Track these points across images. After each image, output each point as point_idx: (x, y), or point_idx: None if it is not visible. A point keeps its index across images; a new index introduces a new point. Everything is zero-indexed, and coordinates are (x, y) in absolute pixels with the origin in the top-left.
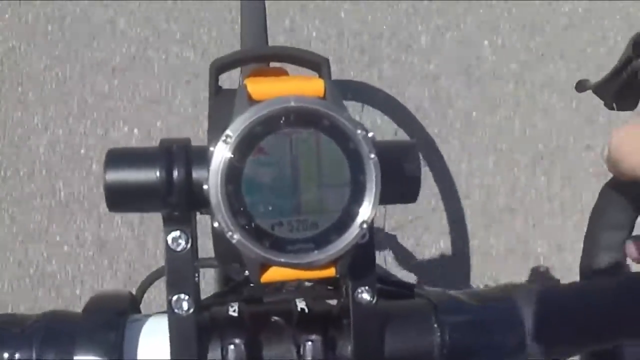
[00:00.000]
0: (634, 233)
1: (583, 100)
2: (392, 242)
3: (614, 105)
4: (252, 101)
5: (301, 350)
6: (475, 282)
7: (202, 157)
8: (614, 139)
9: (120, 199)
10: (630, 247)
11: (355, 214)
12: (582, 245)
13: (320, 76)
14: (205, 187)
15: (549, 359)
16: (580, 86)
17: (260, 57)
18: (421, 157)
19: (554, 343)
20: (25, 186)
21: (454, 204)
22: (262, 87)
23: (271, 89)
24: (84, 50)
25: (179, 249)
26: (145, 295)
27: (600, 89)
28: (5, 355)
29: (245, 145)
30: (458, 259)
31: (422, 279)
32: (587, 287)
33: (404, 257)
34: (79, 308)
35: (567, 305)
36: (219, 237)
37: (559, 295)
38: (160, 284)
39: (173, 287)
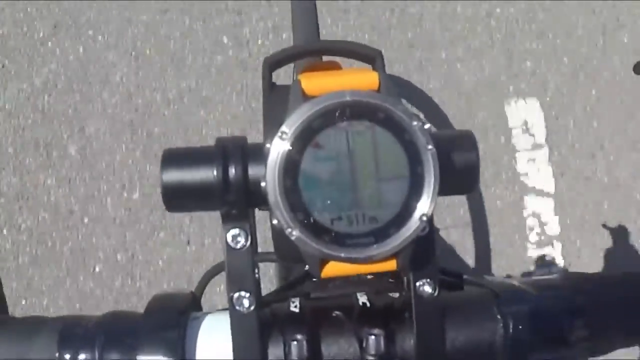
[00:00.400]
0: None
1: None
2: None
3: None
4: (306, 96)
5: (364, 344)
6: None
7: (259, 154)
8: None
9: (178, 199)
10: None
11: (415, 207)
12: None
13: (374, 69)
14: (262, 184)
15: (612, 348)
16: (639, 68)
17: (312, 51)
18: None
19: (616, 332)
20: None
21: None
22: (316, 82)
23: (325, 84)
24: None
25: (238, 246)
26: None
27: None
28: (68, 356)
29: (302, 141)
30: None
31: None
32: None
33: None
34: None
35: (629, 294)
36: (278, 233)
37: (620, 284)
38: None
39: (234, 285)
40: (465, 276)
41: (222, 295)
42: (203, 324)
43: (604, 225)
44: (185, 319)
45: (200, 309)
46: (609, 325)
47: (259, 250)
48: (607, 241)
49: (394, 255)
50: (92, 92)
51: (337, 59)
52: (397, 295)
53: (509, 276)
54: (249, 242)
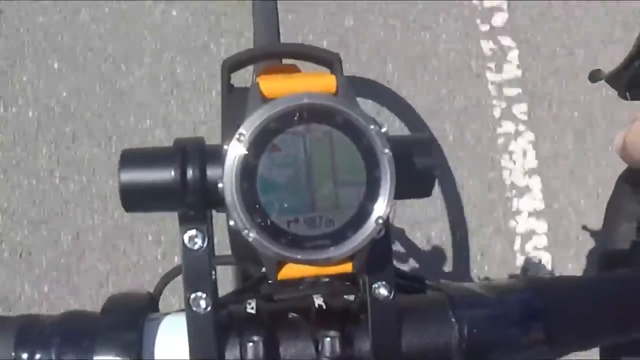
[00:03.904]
0: None
1: None
2: (399, 236)
3: (627, 95)
4: (265, 99)
5: (319, 346)
6: None
7: (217, 155)
8: (630, 130)
9: (136, 199)
10: None
11: (371, 210)
12: None
13: (332, 72)
14: (220, 185)
15: (568, 351)
16: (593, 76)
17: (271, 54)
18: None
19: (573, 335)
20: None
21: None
22: (274, 85)
23: (283, 86)
24: None
25: (195, 247)
26: None
27: (613, 79)
28: (25, 355)
29: (259, 143)
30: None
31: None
32: (604, 279)
33: (412, 250)
34: None
35: (584, 297)
36: (235, 235)
37: (576, 287)
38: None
39: (190, 286)
40: (424, 280)
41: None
42: (160, 324)
43: None
44: (142, 320)
45: (157, 310)
46: (566, 328)
47: (217, 253)
48: None
49: (351, 257)
50: None
51: (296, 62)
52: (353, 297)
53: (488, 277)
54: (206, 243)
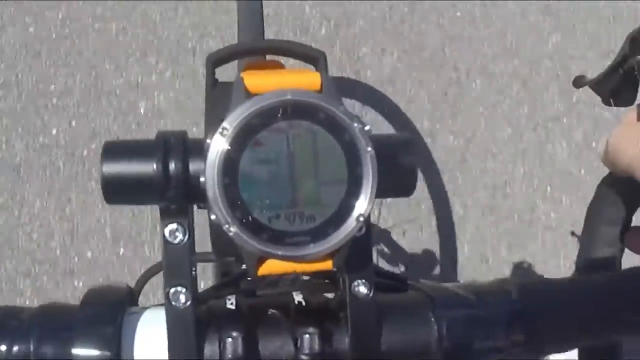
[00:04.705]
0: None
1: None
2: (384, 238)
3: (611, 101)
4: (249, 94)
5: (298, 343)
6: None
7: (199, 149)
8: (612, 136)
9: (117, 191)
10: (631, 239)
11: (352, 207)
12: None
13: (316, 69)
14: (202, 179)
15: (547, 353)
16: (578, 82)
17: (256, 50)
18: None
19: (551, 337)
20: None
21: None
22: (258, 80)
23: (268, 82)
24: None
25: (176, 241)
26: None
27: (598, 85)
28: (3, 347)
29: (242, 138)
30: None
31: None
32: (584, 282)
33: (396, 253)
34: None
35: (564, 300)
36: (216, 230)
37: (556, 290)
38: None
39: (170, 280)
40: (406, 280)
41: None
42: (139, 318)
43: None
44: (121, 313)
45: (136, 303)
46: (545, 330)
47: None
48: None
49: (331, 255)
50: None
51: (281, 58)
52: (333, 295)
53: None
54: (186, 238)
